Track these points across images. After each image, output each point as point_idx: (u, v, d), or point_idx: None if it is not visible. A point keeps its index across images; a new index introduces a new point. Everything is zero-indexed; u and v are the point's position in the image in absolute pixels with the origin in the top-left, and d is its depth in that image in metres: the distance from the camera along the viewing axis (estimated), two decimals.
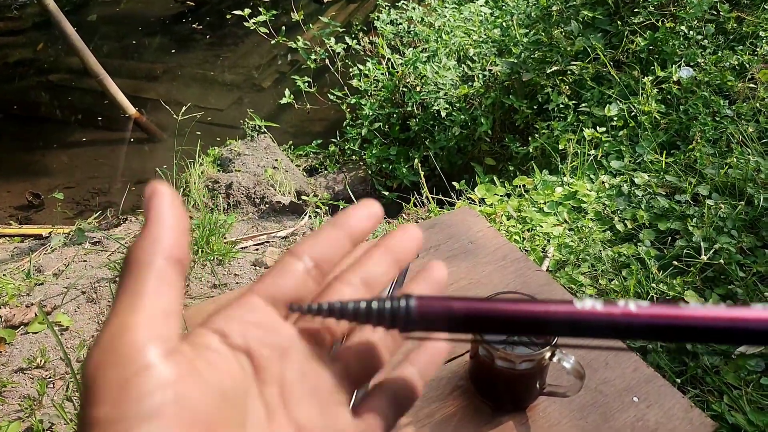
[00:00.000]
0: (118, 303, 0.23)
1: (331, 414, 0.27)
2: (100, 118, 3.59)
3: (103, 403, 0.20)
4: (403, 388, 0.30)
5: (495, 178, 2.20)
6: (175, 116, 2.68)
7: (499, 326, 0.27)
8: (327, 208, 2.40)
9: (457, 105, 2.58)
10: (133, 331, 0.21)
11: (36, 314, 1.66)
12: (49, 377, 1.49)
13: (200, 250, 1.94)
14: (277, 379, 0.26)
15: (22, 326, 1.64)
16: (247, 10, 2.99)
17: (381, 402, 0.29)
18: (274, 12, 3.12)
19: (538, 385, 0.67)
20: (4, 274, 1.88)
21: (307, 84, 3.01)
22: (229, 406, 0.23)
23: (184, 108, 2.77)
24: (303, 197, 2.47)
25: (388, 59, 2.90)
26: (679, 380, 1.28)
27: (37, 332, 1.62)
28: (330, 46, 3.01)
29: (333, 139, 3.02)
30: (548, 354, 0.63)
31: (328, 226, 0.29)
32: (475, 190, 2.11)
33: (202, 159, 2.65)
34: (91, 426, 0.20)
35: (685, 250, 1.58)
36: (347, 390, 0.28)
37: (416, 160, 2.48)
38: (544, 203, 1.89)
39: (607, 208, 1.80)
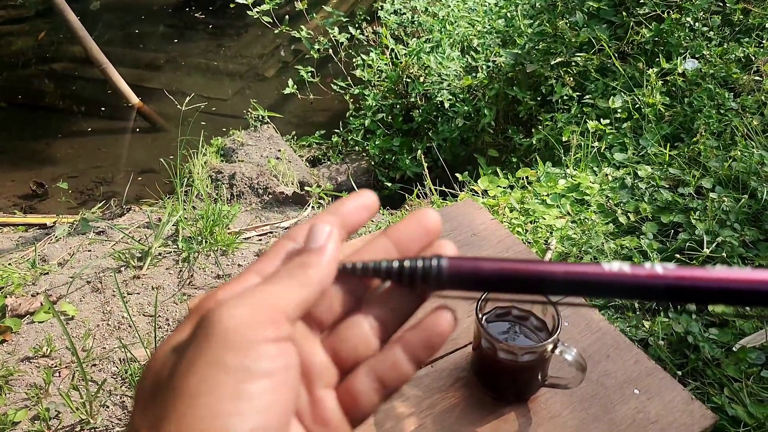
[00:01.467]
0: None
1: (318, 399, 0.28)
2: (103, 108, 3.60)
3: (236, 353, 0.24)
4: (390, 370, 0.29)
5: (498, 169, 2.20)
6: (179, 106, 2.69)
7: (527, 286, 0.28)
8: (330, 198, 2.40)
9: (461, 96, 2.57)
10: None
11: (42, 303, 1.67)
12: (55, 366, 1.51)
13: (204, 240, 1.95)
14: None
15: (28, 315, 1.65)
16: None
17: (363, 387, 0.29)
18: (278, 1, 3.10)
19: (539, 377, 0.67)
20: (9, 264, 1.89)
21: (310, 74, 3.00)
22: None
23: (188, 98, 2.77)
24: (306, 188, 2.48)
25: (392, 49, 2.89)
26: (679, 372, 1.29)
27: (42, 321, 1.63)
28: (333, 36, 3.00)
29: (336, 130, 3.01)
30: (550, 346, 0.63)
31: (324, 214, 0.30)
32: (478, 181, 2.11)
33: (206, 149, 2.66)
34: (220, 369, 0.24)
35: (687, 243, 1.58)
36: (335, 375, 0.29)
37: (419, 152, 2.48)
38: (547, 195, 1.89)
39: (610, 201, 1.80)
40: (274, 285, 0.26)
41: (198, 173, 2.42)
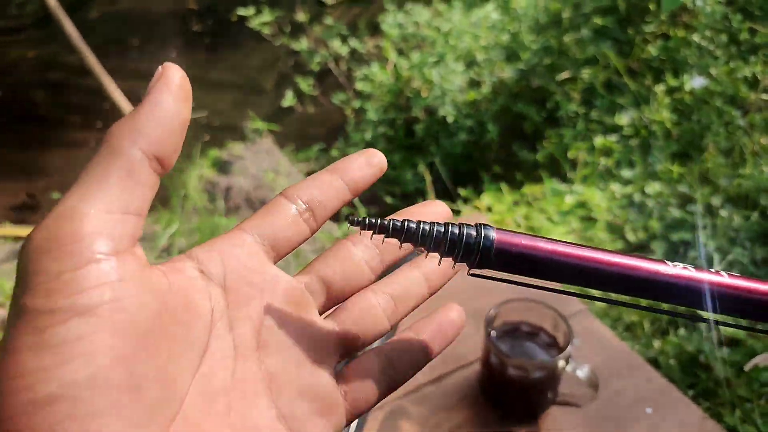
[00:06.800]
0: (75, 187, 0.22)
1: (309, 371, 0.25)
2: (98, 119, 3.57)
3: (36, 292, 0.19)
4: (401, 354, 0.27)
5: (502, 185, 2.17)
6: None
7: (583, 277, 0.25)
8: None
9: (464, 111, 2.56)
10: (82, 221, 0.20)
11: None
12: None
13: None
14: (252, 320, 0.25)
15: None
16: (252, 10, 2.97)
17: (372, 366, 0.26)
18: (279, 13, 3.10)
19: (550, 394, 0.66)
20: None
21: (310, 86, 2.98)
22: (175, 323, 0.22)
23: None
24: None
25: (394, 63, 2.87)
26: (691, 392, 1.26)
27: None
28: (334, 49, 2.99)
29: (336, 143, 2.98)
30: (562, 362, 0.62)
31: (325, 172, 0.28)
32: (482, 197, 2.08)
33: (201, 161, 2.62)
34: (22, 315, 0.19)
35: (697, 261, 1.55)
36: (334, 352, 0.26)
37: (421, 166, 2.45)
38: (554, 212, 1.86)
39: (617, 218, 1.78)
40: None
41: (194, 186, 2.38)
